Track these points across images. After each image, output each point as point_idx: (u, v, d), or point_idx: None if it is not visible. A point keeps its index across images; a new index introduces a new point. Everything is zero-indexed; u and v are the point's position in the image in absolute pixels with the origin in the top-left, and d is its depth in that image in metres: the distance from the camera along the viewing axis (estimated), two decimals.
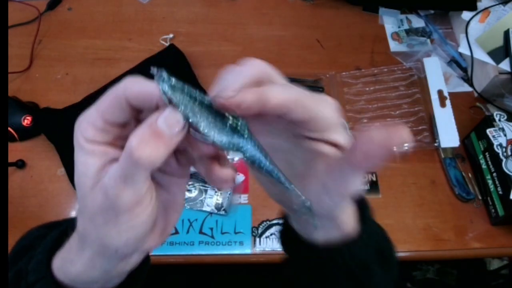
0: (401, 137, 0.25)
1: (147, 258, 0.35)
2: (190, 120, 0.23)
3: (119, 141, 0.26)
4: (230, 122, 0.24)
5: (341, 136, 0.28)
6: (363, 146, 0.25)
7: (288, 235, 0.37)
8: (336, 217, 0.32)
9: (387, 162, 0.26)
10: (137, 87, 0.24)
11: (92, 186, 0.25)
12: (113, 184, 0.24)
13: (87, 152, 0.25)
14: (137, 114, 0.26)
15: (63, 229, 0.32)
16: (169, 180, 0.29)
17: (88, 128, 0.25)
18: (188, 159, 0.28)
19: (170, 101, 0.23)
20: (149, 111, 0.25)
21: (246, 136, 0.25)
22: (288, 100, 0.25)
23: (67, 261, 0.29)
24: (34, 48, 0.86)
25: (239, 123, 0.24)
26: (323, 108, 0.26)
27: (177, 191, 0.29)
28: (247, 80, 0.25)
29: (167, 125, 0.23)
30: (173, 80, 0.23)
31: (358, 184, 0.28)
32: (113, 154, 0.26)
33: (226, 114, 0.24)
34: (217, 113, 0.24)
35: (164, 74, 0.23)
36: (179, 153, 0.28)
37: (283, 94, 0.25)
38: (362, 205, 0.37)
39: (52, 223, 0.35)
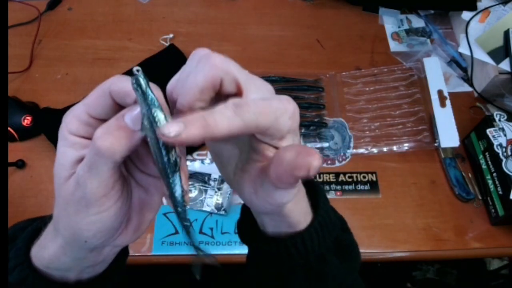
0: (309, 165, 0.24)
1: (125, 252, 0.36)
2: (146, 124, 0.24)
3: None
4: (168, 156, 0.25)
5: (287, 144, 0.27)
6: (276, 167, 0.25)
7: (245, 225, 0.38)
8: (276, 212, 0.31)
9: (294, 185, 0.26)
10: (120, 84, 0.26)
11: (67, 177, 0.26)
12: (81, 172, 0.25)
13: (68, 144, 0.27)
14: (119, 111, 0.27)
15: (44, 220, 0.33)
16: (147, 181, 0.30)
17: (73, 121, 0.27)
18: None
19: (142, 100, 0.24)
20: None
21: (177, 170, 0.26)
22: (235, 128, 0.24)
23: (42, 247, 0.31)
24: (34, 48, 0.86)
25: (176, 158, 0.25)
26: (278, 119, 0.25)
27: (155, 192, 0.31)
28: (204, 85, 0.25)
29: (131, 121, 0.24)
30: (145, 84, 0.24)
31: (285, 197, 0.28)
32: None
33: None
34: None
35: (141, 76, 0.24)
36: None
37: (228, 123, 0.23)
38: (315, 193, 0.36)
39: (36, 217, 0.36)
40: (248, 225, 0.37)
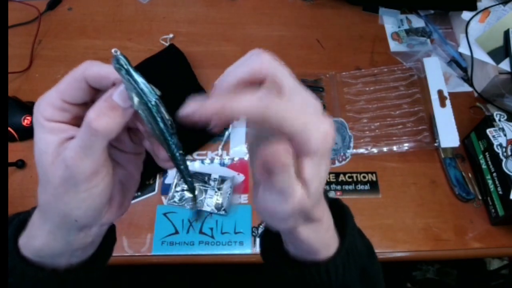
0: (277, 158, 0.24)
1: (112, 239, 0.37)
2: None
3: (77, 120, 0.29)
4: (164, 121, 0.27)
5: (311, 168, 0.27)
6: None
7: (270, 243, 0.37)
8: (292, 234, 0.31)
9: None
10: (95, 68, 0.27)
11: (52, 161, 0.27)
12: (73, 154, 0.26)
13: (46, 130, 0.28)
14: (94, 95, 0.29)
15: (29, 212, 0.34)
16: (125, 158, 0.32)
17: (47, 108, 0.28)
18: (140, 137, 0.31)
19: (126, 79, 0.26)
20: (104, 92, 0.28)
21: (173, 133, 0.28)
22: (254, 113, 0.24)
23: (30, 237, 0.31)
24: (34, 48, 0.86)
25: (170, 121, 0.27)
26: (308, 130, 0.25)
27: (133, 168, 0.32)
28: (245, 76, 0.26)
29: (121, 99, 0.26)
30: (127, 62, 0.26)
31: (283, 208, 0.27)
32: (71, 131, 0.28)
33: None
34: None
35: (121, 56, 0.26)
36: (132, 131, 0.31)
37: (249, 105, 0.24)
38: (342, 217, 0.35)
39: (21, 211, 0.37)
40: (272, 242, 0.36)
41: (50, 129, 0.28)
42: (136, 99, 0.26)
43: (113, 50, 0.25)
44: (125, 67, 0.25)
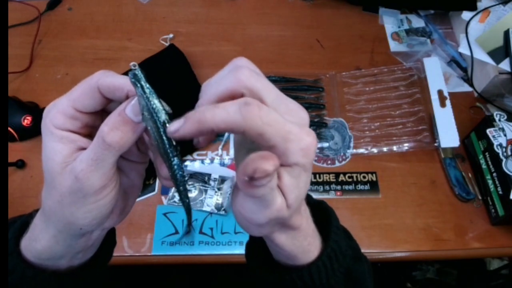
0: (257, 167, 0.23)
1: (112, 241, 0.38)
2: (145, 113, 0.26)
3: (87, 129, 0.29)
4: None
5: (289, 178, 0.26)
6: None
7: (254, 246, 0.37)
8: (268, 239, 0.31)
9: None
10: (110, 79, 0.27)
11: (60, 171, 0.27)
12: (84, 167, 0.26)
13: (56, 139, 0.27)
14: (105, 105, 0.29)
15: (31, 215, 0.34)
16: (129, 166, 0.32)
17: (58, 116, 0.28)
18: (146, 147, 0.31)
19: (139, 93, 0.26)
20: (116, 103, 0.28)
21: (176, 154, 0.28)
22: (232, 125, 0.24)
23: (32, 240, 0.31)
24: (34, 48, 0.86)
25: (176, 143, 0.27)
26: (288, 143, 0.24)
27: (136, 176, 0.33)
28: (222, 95, 0.25)
29: (133, 113, 0.26)
30: (143, 77, 0.26)
31: (260, 216, 0.26)
32: (81, 142, 0.28)
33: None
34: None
35: (139, 71, 0.26)
36: (139, 141, 0.30)
37: (226, 117, 0.23)
38: (326, 218, 0.35)
39: (23, 214, 0.37)
40: (257, 246, 0.36)
41: (60, 138, 0.27)
42: (146, 114, 0.26)
43: (131, 64, 0.26)
44: (141, 81, 0.26)
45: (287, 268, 0.33)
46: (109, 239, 0.36)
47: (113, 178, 0.28)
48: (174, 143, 0.27)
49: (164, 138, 0.26)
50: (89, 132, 0.29)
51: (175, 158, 0.27)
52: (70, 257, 0.32)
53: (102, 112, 0.30)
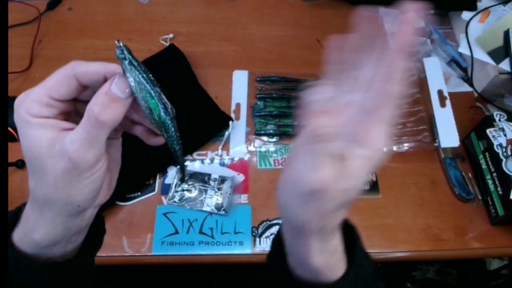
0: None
1: (102, 229, 0.39)
2: (133, 85, 0.29)
3: (62, 116, 0.30)
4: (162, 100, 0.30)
5: None
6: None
7: (277, 258, 0.36)
8: (299, 241, 0.31)
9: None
10: (85, 65, 0.30)
11: (49, 154, 0.28)
12: (77, 147, 0.28)
13: (35, 126, 0.29)
14: (80, 92, 0.31)
15: (20, 207, 0.35)
16: (108, 143, 0.33)
17: (33, 105, 0.29)
18: (122, 124, 0.33)
19: (124, 71, 0.29)
20: (92, 89, 0.30)
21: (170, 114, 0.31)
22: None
23: (28, 231, 0.32)
24: (34, 48, 0.86)
25: (171, 106, 0.30)
26: None
27: (115, 151, 0.35)
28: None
29: (119, 90, 0.29)
30: (129, 52, 0.29)
31: (312, 177, 0.26)
32: (61, 124, 0.29)
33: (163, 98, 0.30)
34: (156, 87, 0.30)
35: (124, 46, 0.29)
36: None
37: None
38: (352, 238, 0.35)
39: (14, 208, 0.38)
40: (279, 262, 0.36)
41: (39, 124, 0.29)
42: (135, 86, 0.28)
43: (116, 41, 0.28)
44: (129, 55, 0.28)
45: (310, 285, 0.33)
46: (99, 227, 0.38)
47: (105, 152, 0.30)
48: (169, 107, 0.30)
49: (160, 104, 0.29)
50: (64, 118, 0.31)
51: (173, 120, 0.30)
52: (66, 241, 0.33)
53: (74, 100, 0.32)
